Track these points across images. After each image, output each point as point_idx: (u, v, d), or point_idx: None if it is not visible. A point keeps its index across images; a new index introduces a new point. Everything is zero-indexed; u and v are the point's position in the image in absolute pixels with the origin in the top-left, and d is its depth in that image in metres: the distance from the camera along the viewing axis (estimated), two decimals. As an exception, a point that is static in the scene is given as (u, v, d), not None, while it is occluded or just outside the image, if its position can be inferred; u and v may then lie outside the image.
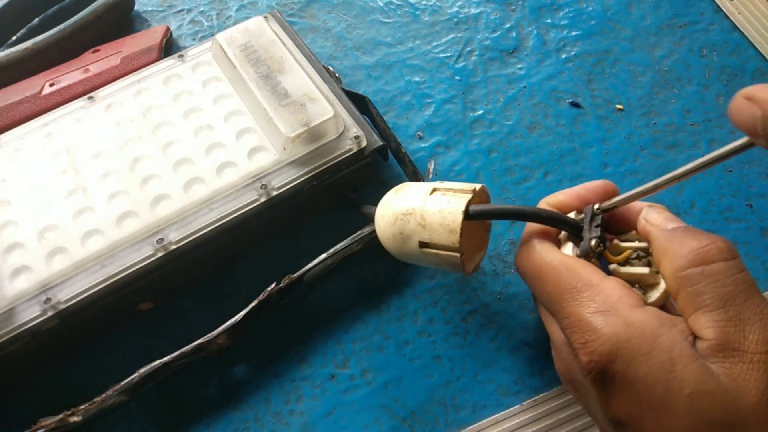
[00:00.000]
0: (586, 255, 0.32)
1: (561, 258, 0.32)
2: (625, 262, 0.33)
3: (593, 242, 0.32)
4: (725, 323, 0.27)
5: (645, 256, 0.33)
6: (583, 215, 0.34)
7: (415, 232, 0.35)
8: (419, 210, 0.35)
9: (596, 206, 0.33)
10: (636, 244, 0.33)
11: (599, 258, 0.33)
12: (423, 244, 0.35)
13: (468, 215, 0.33)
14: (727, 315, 0.27)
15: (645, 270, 0.32)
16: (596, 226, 0.33)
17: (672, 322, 0.28)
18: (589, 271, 0.31)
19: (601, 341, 0.28)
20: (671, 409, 0.27)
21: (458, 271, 0.36)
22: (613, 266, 0.32)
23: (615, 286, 0.30)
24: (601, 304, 0.29)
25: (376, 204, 0.40)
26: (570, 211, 0.35)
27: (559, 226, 0.34)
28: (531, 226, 0.35)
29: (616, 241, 0.33)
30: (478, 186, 0.35)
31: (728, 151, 0.27)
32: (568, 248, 0.34)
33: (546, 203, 0.36)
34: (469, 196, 0.34)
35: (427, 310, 0.43)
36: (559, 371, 0.34)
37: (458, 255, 0.34)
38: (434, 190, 0.36)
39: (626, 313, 0.28)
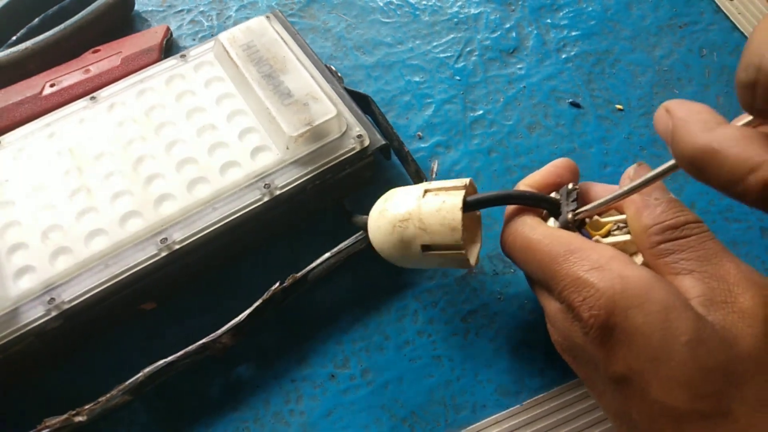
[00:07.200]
0: (565, 226, 0.34)
1: (551, 229, 0.33)
2: (607, 235, 0.34)
3: (570, 215, 0.34)
4: (708, 280, 0.29)
5: (624, 226, 0.34)
6: (559, 196, 0.36)
7: (416, 236, 0.35)
8: (416, 214, 0.35)
9: (570, 185, 0.36)
10: (615, 218, 0.34)
11: (580, 231, 0.34)
12: (425, 248, 0.35)
13: (465, 208, 0.34)
14: (708, 273, 0.29)
15: (627, 237, 0.33)
16: (572, 201, 0.35)
17: (665, 279, 0.29)
18: (579, 238, 0.32)
19: (598, 295, 0.29)
20: (670, 357, 0.27)
21: (463, 267, 0.36)
22: (595, 238, 0.34)
23: (606, 248, 0.31)
24: (595, 262, 0.30)
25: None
26: (547, 189, 0.37)
27: (541, 204, 0.36)
28: (512, 207, 0.37)
29: (596, 217, 0.35)
30: (467, 180, 0.36)
31: (658, 173, 0.29)
32: (550, 224, 0.35)
33: (525, 185, 0.37)
34: (463, 191, 0.35)
35: (426, 311, 0.43)
36: (556, 342, 0.34)
37: (463, 252, 0.34)
38: (426, 191, 0.36)
39: (620, 268, 0.29)
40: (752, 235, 0.45)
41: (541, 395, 0.40)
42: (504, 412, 0.39)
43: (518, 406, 0.40)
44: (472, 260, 0.37)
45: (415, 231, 0.35)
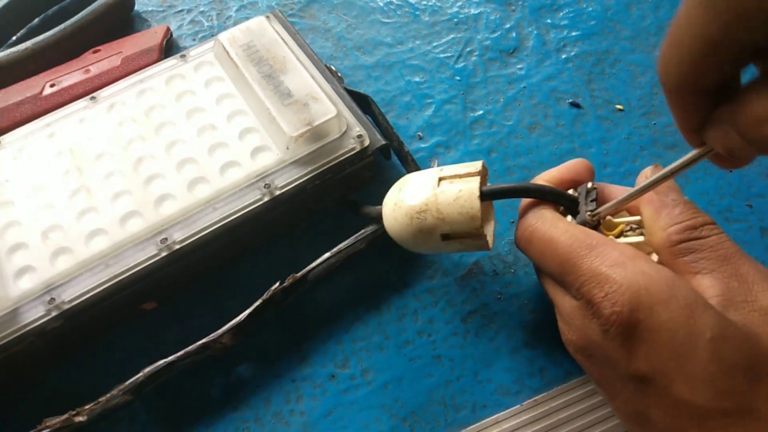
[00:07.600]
0: (583, 225, 0.34)
1: (571, 225, 0.33)
2: (620, 235, 0.34)
3: (588, 214, 0.34)
4: (728, 280, 0.29)
5: (637, 228, 0.34)
6: (577, 194, 0.36)
7: (435, 227, 0.35)
8: (433, 204, 0.35)
9: (589, 184, 0.36)
10: (628, 219, 0.35)
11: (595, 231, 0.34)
12: (445, 236, 0.36)
13: (482, 197, 0.35)
14: (727, 273, 0.29)
15: (640, 238, 0.33)
16: (591, 200, 0.35)
17: (684, 278, 0.29)
18: (599, 235, 0.32)
19: (621, 291, 0.28)
20: (695, 354, 0.27)
21: (481, 250, 0.37)
22: (609, 238, 0.33)
23: (627, 246, 0.31)
24: (617, 259, 0.30)
25: (377, 203, 0.40)
26: (563, 186, 0.37)
27: (559, 200, 0.36)
28: (528, 200, 0.36)
29: (609, 218, 0.35)
30: (479, 163, 0.36)
31: (678, 165, 0.29)
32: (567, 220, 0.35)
33: (542, 180, 0.37)
34: (478, 177, 0.35)
35: (426, 310, 0.43)
36: (569, 342, 0.33)
37: (482, 237, 0.35)
38: (440, 179, 0.36)
39: (642, 265, 0.29)
40: (752, 235, 0.45)
41: (541, 395, 0.40)
42: (504, 412, 0.39)
43: (518, 406, 0.40)
44: (490, 243, 0.37)
45: (434, 221, 0.35)
